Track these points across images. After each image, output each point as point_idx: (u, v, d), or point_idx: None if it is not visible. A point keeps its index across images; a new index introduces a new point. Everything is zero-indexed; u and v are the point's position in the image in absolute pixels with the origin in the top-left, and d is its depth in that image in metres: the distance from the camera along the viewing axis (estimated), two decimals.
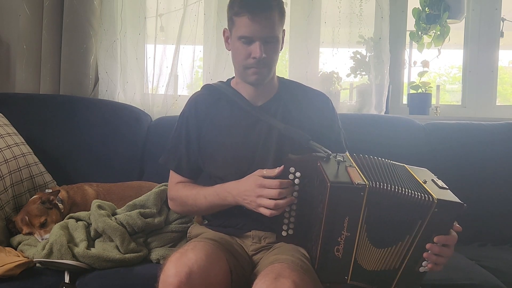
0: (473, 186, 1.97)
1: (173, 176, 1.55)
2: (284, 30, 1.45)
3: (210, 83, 1.58)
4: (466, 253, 1.73)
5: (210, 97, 1.52)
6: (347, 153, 1.33)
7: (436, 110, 2.48)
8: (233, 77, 1.55)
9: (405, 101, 2.59)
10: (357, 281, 1.25)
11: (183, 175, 1.53)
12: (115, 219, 1.60)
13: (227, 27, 1.45)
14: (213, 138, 1.48)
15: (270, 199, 1.24)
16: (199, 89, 1.58)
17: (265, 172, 1.29)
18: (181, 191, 1.50)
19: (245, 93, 1.49)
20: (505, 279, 1.53)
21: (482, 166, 2.05)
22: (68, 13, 2.30)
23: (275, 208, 1.24)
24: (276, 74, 1.54)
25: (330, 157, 1.28)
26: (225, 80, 1.58)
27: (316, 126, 1.46)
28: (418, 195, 1.17)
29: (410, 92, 2.51)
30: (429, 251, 1.20)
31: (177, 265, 1.15)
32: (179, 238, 1.67)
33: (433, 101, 2.48)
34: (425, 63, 2.47)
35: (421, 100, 2.46)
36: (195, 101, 1.54)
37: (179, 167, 1.52)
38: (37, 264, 1.49)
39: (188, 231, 1.57)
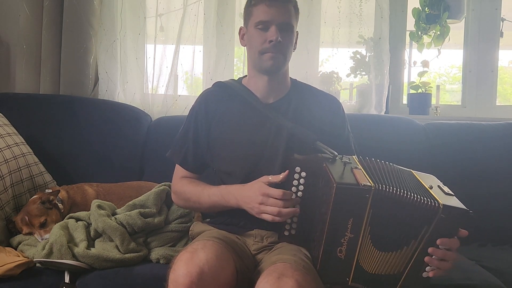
0: (473, 186, 1.96)
1: (178, 170, 1.56)
2: (297, 32, 1.49)
3: (222, 81, 1.59)
4: (466, 253, 1.72)
5: (221, 93, 1.54)
6: (354, 156, 1.33)
7: (436, 110, 2.48)
8: (245, 76, 1.57)
9: (405, 101, 2.59)
10: (358, 283, 1.24)
11: (188, 170, 1.54)
12: (115, 219, 1.60)
13: (242, 26, 1.51)
14: (222, 134, 1.49)
15: (273, 207, 1.26)
16: (211, 87, 1.59)
17: (270, 178, 1.30)
18: (186, 186, 1.51)
19: (256, 90, 1.50)
20: (505, 279, 1.52)
21: (482, 166, 2.04)
22: (68, 13, 2.31)
23: (278, 215, 1.25)
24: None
25: (336, 158, 1.28)
26: (231, 79, 1.59)
27: (326, 128, 1.47)
28: (424, 200, 1.17)
29: (410, 92, 2.50)
30: (433, 256, 1.19)
31: (188, 265, 1.15)
32: (179, 238, 1.67)
33: (433, 101, 2.48)
34: (425, 63, 2.47)
35: (421, 100, 2.46)
36: (205, 97, 1.55)
37: (185, 161, 1.54)
38: (37, 264, 1.48)
39: (190, 229, 1.57)
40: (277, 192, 1.26)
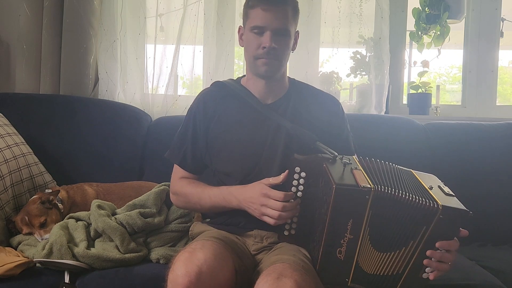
0: (473, 186, 1.97)
1: (177, 171, 1.56)
2: (297, 31, 1.48)
3: (220, 80, 1.58)
4: (466, 253, 1.73)
5: (219, 93, 1.53)
6: (354, 156, 1.33)
7: (436, 110, 2.48)
8: (243, 75, 1.56)
9: (405, 101, 2.59)
10: (358, 284, 1.24)
11: (187, 170, 1.54)
12: (115, 219, 1.60)
13: (241, 25, 1.49)
14: (221, 135, 1.48)
15: (274, 209, 1.26)
16: (209, 86, 1.59)
17: (271, 180, 1.31)
18: (185, 187, 1.51)
19: (255, 91, 1.50)
20: (505, 279, 1.53)
21: (482, 166, 2.05)
22: (68, 13, 2.31)
23: (278, 219, 1.26)
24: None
25: (336, 158, 1.28)
26: (230, 79, 1.59)
27: (325, 128, 1.47)
28: (423, 201, 1.17)
29: (410, 92, 2.51)
30: (432, 258, 1.19)
31: (186, 264, 1.15)
32: (179, 238, 1.67)
33: (433, 101, 2.48)
34: (425, 63, 2.47)
35: (421, 100, 2.46)
36: (203, 97, 1.54)
37: (184, 162, 1.54)
38: (37, 264, 1.48)
39: (190, 229, 1.57)
40: (278, 194, 1.26)
